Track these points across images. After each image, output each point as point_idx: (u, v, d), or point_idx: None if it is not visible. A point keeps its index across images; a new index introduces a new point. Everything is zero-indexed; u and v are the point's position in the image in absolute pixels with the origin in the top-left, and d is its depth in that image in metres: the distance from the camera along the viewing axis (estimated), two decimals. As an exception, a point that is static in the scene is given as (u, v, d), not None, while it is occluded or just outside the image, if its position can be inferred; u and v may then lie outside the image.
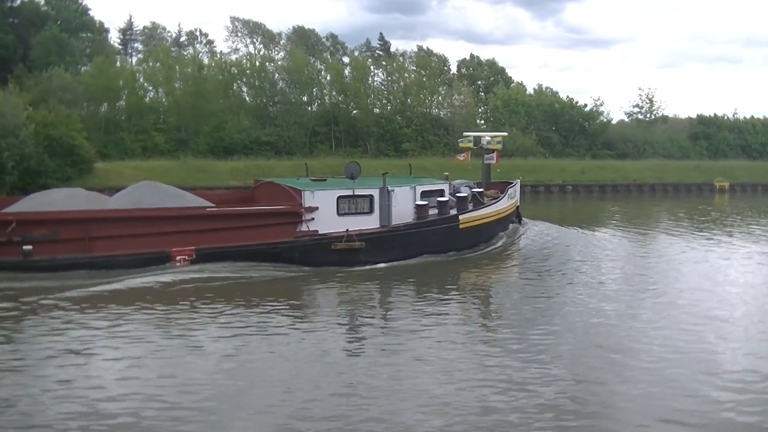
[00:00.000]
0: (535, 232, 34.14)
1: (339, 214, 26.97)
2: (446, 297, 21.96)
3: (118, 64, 72.34)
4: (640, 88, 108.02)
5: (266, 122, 69.91)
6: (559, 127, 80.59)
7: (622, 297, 21.37)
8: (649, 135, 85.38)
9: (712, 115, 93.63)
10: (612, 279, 24.50)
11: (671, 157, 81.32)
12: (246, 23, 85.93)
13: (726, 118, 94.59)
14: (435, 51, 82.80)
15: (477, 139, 35.93)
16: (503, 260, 28.88)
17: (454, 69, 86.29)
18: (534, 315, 19.26)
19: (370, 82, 77.01)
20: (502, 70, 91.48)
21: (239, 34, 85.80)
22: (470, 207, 30.20)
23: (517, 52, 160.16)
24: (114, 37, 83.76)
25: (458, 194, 30.19)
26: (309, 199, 26.56)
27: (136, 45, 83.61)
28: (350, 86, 73.36)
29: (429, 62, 78.80)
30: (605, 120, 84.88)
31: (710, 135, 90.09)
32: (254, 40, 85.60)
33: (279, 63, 76.46)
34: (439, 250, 28.34)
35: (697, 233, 37.04)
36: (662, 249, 31.83)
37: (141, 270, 23.80)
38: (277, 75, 74.17)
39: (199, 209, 26.59)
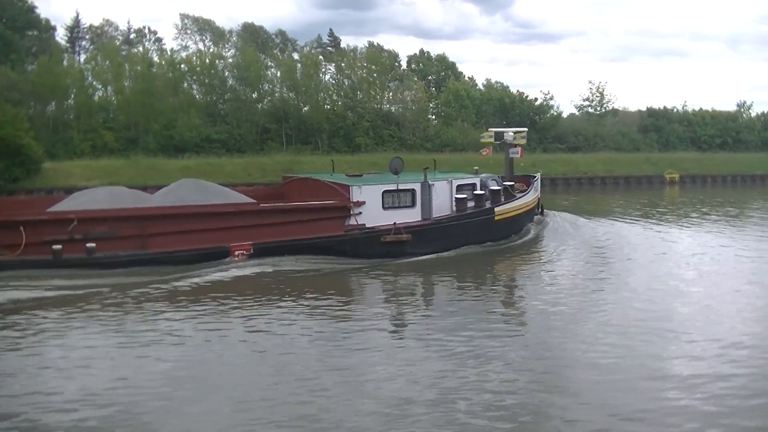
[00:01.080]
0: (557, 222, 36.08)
1: (384, 207, 28.02)
2: (492, 288, 23.37)
3: (65, 62, 72.31)
4: (590, 82, 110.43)
5: (217, 120, 70.52)
6: (510, 122, 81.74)
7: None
8: (600, 128, 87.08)
9: (662, 107, 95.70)
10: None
11: (622, 150, 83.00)
12: (196, 20, 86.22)
13: (675, 110, 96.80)
14: (385, 47, 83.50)
15: (498, 135, 37.20)
16: (541, 250, 30.24)
17: (404, 64, 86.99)
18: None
19: (320, 78, 77.56)
20: (453, 65, 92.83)
21: (189, 32, 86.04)
22: (503, 200, 31.43)
23: (467, 47, 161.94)
24: (61, 35, 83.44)
25: (493, 188, 31.27)
26: (357, 193, 27.65)
27: (83, 43, 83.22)
28: (301, 83, 73.97)
29: (380, 57, 79.50)
30: (555, 114, 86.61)
31: (660, 127, 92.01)
32: (204, 37, 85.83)
33: (229, 60, 76.67)
34: (477, 241, 29.55)
35: (657, 224, 38.33)
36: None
37: (202, 265, 24.54)
38: (227, 72, 74.52)
39: (254, 205, 27.63)
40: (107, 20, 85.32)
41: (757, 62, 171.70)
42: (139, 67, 70.96)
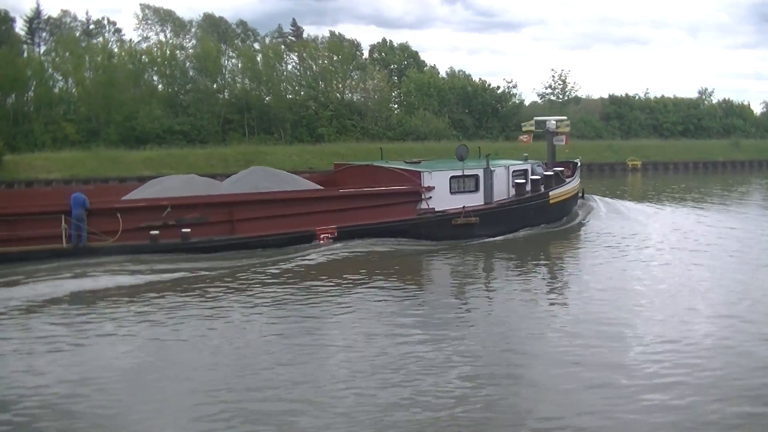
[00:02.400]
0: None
1: (451, 192, 29.74)
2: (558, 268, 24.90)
3: (25, 54, 72.47)
4: (552, 70, 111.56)
5: (178, 111, 71.10)
6: (472, 110, 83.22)
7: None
8: (562, 116, 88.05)
9: (624, 95, 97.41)
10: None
11: (584, 137, 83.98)
12: (156, 11, 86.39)
13: (637, 98, 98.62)
14: (347, 36, 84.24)
15: (540, 123, 39.27)
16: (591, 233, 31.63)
17: (366, 54, 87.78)
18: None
19: (282, 68, 78.20)
20: (415, 54, 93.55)
21: (149, 22, 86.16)
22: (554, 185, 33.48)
23: (428, 36, 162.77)
24: (20, 27, 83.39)
25: (547, 173, 33.07)
26: (428, 179, 29.29)
27: (43, 35, 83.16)
28: (263, 73, 74.52)
29: (341, 47, 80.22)
30: (518, 102, 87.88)
31: (622, 115, 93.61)
32: (164, 28, 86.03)
33: (189, 51, 77.09)
34: (535, 224, 31.48)
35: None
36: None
37: (289, 249, 25.96)
38: (187, 63, 74.92)
39: (336, 190, 29.38)
40: (65, 11, 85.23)
41: (717, 49, 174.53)
42: (99, 59, 71.31)
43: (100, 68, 70.28)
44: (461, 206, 29.29)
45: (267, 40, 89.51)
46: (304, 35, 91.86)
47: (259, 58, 77.47)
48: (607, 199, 40.31)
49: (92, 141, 63.52)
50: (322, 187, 30.13)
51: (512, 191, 31.57)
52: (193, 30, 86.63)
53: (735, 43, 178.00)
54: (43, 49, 79.94)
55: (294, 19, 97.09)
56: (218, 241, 25.94)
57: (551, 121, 38.07)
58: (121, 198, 27.56)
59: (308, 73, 79.66)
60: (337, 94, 78.01)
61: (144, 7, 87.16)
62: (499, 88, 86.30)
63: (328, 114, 74.17)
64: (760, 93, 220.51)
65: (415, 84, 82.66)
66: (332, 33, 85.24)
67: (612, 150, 78.83)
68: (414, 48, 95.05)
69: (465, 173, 30.14)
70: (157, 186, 28.70)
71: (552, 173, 33.36)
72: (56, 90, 70.50)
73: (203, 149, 62.49)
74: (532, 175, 32.39)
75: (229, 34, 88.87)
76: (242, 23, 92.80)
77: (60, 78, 71.91)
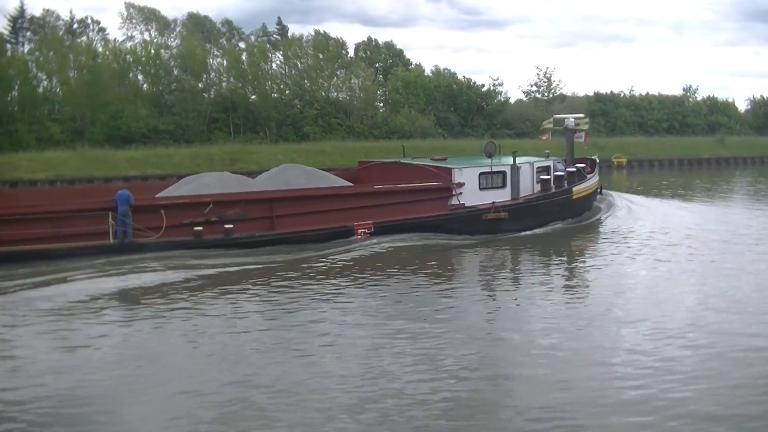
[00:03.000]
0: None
1: (480, 188, 30.89)
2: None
3: (9, 53, 72.32)
4: (537, 68, 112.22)
5: (163, 110, 71.17)
6: (458, 108, 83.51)
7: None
8: (548, 114, 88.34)
9: (609, 92, 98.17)
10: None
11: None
12: (140, 10, 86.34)
13: (622, 95, 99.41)
14: (332, 35, 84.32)
15: (558, 121, 40.52)
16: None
17: (351, 52, 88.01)
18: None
19: (268, 66, 78.30)
20: (400, 52, 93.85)
21: (134, 21, 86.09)
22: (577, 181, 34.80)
23: (413, 35, 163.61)
24: (4, 26, 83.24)
25: (569, 169, 34.39)
26: (458, 176, 30.46)
27: (27, 34, 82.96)
28: (248, 71, 74.61)
29: (327, 45, 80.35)
30: (503, 100, 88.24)
31: (607, 112, 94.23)
32: (149, 27, 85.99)
33: (174, 50, 77.09)
34: (560, 218, 32.69)
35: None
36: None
37: (329, 244, 27.01)
38: (172, 62, 74.95)
39: (371, 186, 30.34)
40: (48, 10, 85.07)
41: (702, 47, 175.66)
42: (83, 58, 71.20)
43: (85, 68, 70.23)
44: (489, 202, 30.40)
45: (252, 38, 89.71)
46: (289, 34, 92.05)
47: (244, 57, 77.49)
48: (624, 194, 41.53)
49: (77, 141, 63.41)
50: (352, 184, 31.34)
51: (537, 187, 32.61)
52: (177, 29, 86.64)
53: (719, 40, 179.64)
54: (27, 48, 79.84)
55: (279, 18, 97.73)
56: (260, 237, 26.98)
57: (570, 119, 39.15)
58: (156, 195, 28.67)
59: (293, 71, 79.78)
60: (323, 93, 78.10)
61: (128, 6, 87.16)
62: (484, 86, 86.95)
63: (314, 113, 74.28)
64: (745, 90, 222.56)
65: (402, 82, 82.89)
66: (317, 32, 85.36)
67: (597, 147, 78.88)
68: (399, 46, 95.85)
69: (493, 170, 31.21)
70: (192, 183, 29.77)
71: (575, 169, 34.83)
72: (40, 90, 70.33)
73: (189, 149, 62.53)
74: (555, 171, 33.43)
75: (214, 33, 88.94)
76: (227, 22, 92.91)
77: (44, 77, 71.74)
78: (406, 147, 65.42)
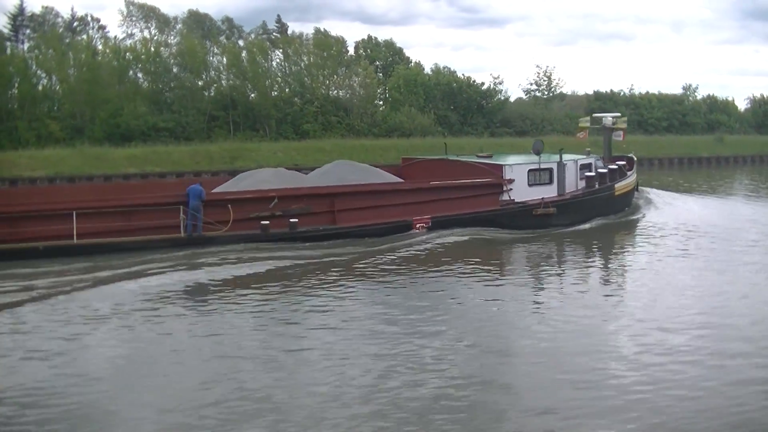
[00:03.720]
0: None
1: (529, 185, 32.25)
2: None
3: (8, 51, 72.41)
4: (537, 66, 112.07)
5: (163, 108, 71.24)
6: (457, 106, 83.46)
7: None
8: (547, 112, 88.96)
9: (609, 91, 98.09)
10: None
11: (570, 134, 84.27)
12: (140, 7, 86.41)
13: (622, 93, 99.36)
14: (332, 33, 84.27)
15: (596, 120, 42.37)
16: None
17: (351, 50, 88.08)
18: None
19: (268, 64, 78.34)
20: (400, 51, 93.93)
21: (133, 19, 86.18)
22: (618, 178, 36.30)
23: (413, 33, 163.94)
24: (4, 24, 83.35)
25: (611, 167, 35.86)
26: (509, 172, 31.89)
27: (27, 31, 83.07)
28: (248, 69, 74.67)
29: (327, 43, 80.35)
30: (503, 98, 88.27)
31: (607, 111, 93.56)
32: (149, 24, 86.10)
33: (174, 48, 77.17)
34: (603, 214, 34.30)
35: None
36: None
37: (389, 238, 28.43)
38: (172, 60, 75.03)
39: (426, 182, 31.53)
40: (48, 8, 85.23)
41: (701, 45, 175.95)
42: (83, 56, 71.31)
43: (84, 65, 70.34)
44: (537, 198, 31.94)
45: (252, 36, 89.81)
46: (289, 32, 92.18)
47: (244, 55, 77.56)
48: (659, 191, 43.41)
49: (77, 138, 63.49)
50: (402, 180, 32.83)
51: (580, 184, 34.21)
52: (177, 27, 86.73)
53: (718, 39, 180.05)
54: (26, 46, 79.96)
55: (278, 16, 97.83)
56: (324, 231, 28.34)
57: (608, 117, 41.21)
58: (212, 191, 29.54)
59: (293, 69, 79.85)
60: (323, 90, 78.18)
61: (128, 3, 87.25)
62: (484, 84, 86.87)
63: (313, 110, 74.33)
64: (744, 89, 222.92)
65: (403, 80, 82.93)
66: (317, 29, 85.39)
67: (597, 146, 79.00)
68: (398, 44, 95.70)
69: (541, 167, 32.65)
70: (250, 179, 31.03)
71: (617, 167, 36.21)
72: (40, 87, 70.46)
73: (188, 146, 62.59)
74: (594, 169, 35.05)
75: (214, 30, 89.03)
76: (227, 19, 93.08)
77: (44, 75, 71.90)
78: (406, 145, 66.22)
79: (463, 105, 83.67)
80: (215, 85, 76.88)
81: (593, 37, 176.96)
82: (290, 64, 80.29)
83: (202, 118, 71.61)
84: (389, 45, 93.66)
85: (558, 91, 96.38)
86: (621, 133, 40.22)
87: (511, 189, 31.66)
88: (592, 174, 34.49)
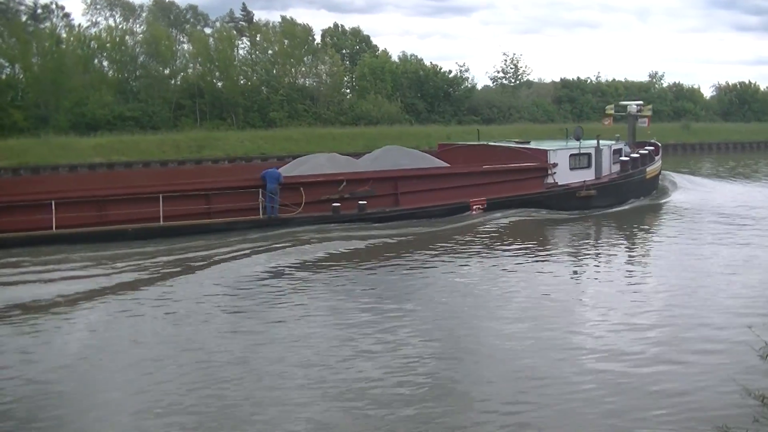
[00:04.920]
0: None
1: (570, 168, 34.79)
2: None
3: (-30, 40, 71.90)
4: (504, 54, 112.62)
5: (129, 97, 71.02)
6: (425, 94, 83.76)
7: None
8: (514, 100, 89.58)
9: (576, 78, 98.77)
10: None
11: (536, 121, 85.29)
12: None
13: (589, 81, 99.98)
14: (298, 21, 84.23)
15: (621, 107, 44.60)
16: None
17: (318, 38, 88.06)
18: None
19: (235, 53, 78.26)
20: (367, 38, 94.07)
21: (98, 7, 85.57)
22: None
23: (379, 21, 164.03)
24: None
25: (641, 152, 38.57)
26: (553, 157, 34.38)
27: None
28: (215, 58, 74.52)
29: (295, 31, 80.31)
30: (470, 86, 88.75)
31: (574, 98, 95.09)
32: (114, 13, 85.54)
33: (139, 36, 76.86)
34: (636, 196, 36.94)
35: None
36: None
37: (449, 218, 30.95)
38: (138, 48, 74.76)
39: (479, 166, 33.83)
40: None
41: (667, 33, 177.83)
42: (47, 44, 70.81)
43: (49, 54, 69.84)
44: (577, 181, 34.64)
45: (218, 24, 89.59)
46: (255, 20, 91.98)
47: (211, 42, 77.35)
48: (680, 174, 46.75)
49: (41, 128, 63.12)
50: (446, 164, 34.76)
51: (614, 168, 36.55)
52: (143, 15, 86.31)
53: (684, 27, 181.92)
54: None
55: (244, 4, 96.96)
56: (390, 212, 30.55)
57: (633, 105, 43.23)
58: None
59: (260, 57, 79.83)
60: (290, 79, 78.23)
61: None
62: (451, 72, 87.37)
63: (280, 99, 74.40)
64: (710, 76, 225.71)
65: (369, 68, 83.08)
66: (284, 18, 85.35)
67: (564, 133, 79.37)
68: (365, 32, 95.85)
69: (581, 151, 35.33)
70: (307, 163, 33.16)
71: (647, 152, 39.09)
72: (3, 76, 69.95)
73: (155, 135, 62.52)
74: (624, 154, 37.64)
75: (180, 19, 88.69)
76: (192, 8, 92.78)
77: (7, 64, 71.32)
78: (373, 133, 66.62)
79: (431, 93, 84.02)
80: (182, 73, 76.66)
81: (559, 25, 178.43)
82: (257, 53, 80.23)
83: (169, 107, 71.53)
84: (356, 33, 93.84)
85: (525, 79, 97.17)
86: (646, 120, 42.53)
87: (554, 173, 34.20)
88: (627, 159, 37.09)
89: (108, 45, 74.20)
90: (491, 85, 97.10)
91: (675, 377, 13.89)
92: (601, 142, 36.40)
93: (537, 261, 24.46)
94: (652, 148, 41.22)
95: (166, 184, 29.61)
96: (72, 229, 26.22)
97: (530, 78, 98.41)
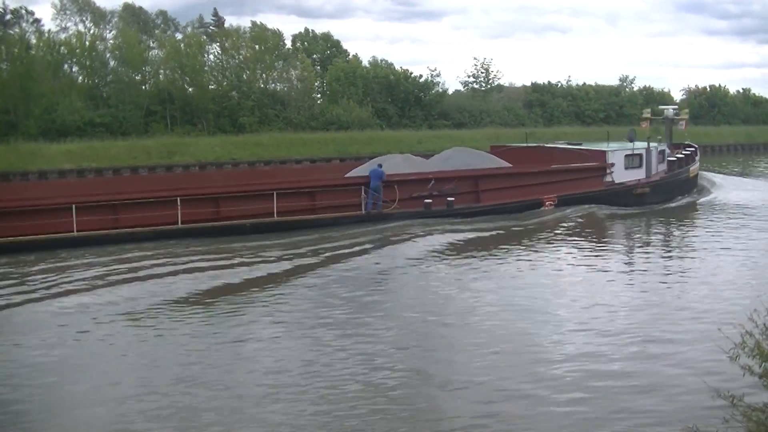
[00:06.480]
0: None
1: (624, 168, 37.82)
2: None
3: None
4: (475, 58, 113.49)
5: (99, 103, 71.27)
6: (395, 99, 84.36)
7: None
8: (485, 104, 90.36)
9: (546, 83, 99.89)
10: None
11: (507, 125, 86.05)
12: (75, 1, 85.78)
13: (559, 85, 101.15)
14: (268, 26, 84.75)
15: (658, 111, 47.93)
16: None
17: (289, 43, 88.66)
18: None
19: (205, 58, 78.63)
20: (338, 43, 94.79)
21: (68, 13, 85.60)
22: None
23: (350, 26, 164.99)
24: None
25: (685, 152, 42.11)
26: (611, 157, 37.55)
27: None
28: (185, 63, 74.83)
29: (265, 36, 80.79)
30: (441, 91, 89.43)
31: (544, 102, 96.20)
32: (84, 18, 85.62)
33: (110, 42, 77.13)
34: (681, 193, 40.04)
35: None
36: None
37: (521, 215, 33.65)
38: (108, 54, 75.02)
39: (548, 165, 36.99)
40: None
41: (636, 37, 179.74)
42: (16, 50, 70.87)
43: (17, 59, 69.92)
44: (630, 179, 37.80)
45: (188, 30, 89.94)
46: (226, 25, 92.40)
47: (182, 47, 77.63)
48: (714, 174, 50.27)
49: (10, 134, 63.23)
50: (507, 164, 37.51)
51: (660, 167, 39.84)
52: (113, 20, 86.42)
53: (653, 31, 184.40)
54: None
55: (215, 9, 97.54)
56: (474, 208, 33.45)
57: (669, 109, 46.29)
58: (345, 176, 35.39)
59: (231, 62, 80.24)
60: (261, 84, 78.75)
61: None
62: (421, 76, 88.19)
63: (250, 104, 74.89)
64: (680, 80, 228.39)
65: (342, 72, 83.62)
66: (254, 23, 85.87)
67: (534, 137, 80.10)
68: (336, 38, 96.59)
69: (634, 152, 38.35)
70: (384, 164, 34.36)
71: (689, 152, 42.68)
72: (-29, 82, 69.94)
73: (125, 141, 62.86)
74: (668, 155, 40.80)
75: (150, 24, 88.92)
76: (162, 13, 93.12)
77: (-25, 70, 71.33)
78: (344, 138, 67.31)
79: (401, 98, 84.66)
80: (152, 79, 76.97)
81: (529, 30, 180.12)
82: (228, 58, 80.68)
83: (140, 113, 71.88)
84: (327, 38, 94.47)
85: (496, 83, 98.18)
86: (683, 123, 45.16)
87: (612, 172, 37.28)
88: (674, 159, 40.53)
89: (78, 50, 74.45)
90: (462, 89, 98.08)
91: (647, 377, 14.51)
92: (640, 144, 39.24)
93: (622, 252, 27.86)
94: (693, 149, 45.09)
95: (279, 182, 32.69)
96: (193, 224, 29.27)
97: (501, 82, 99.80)
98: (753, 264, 24.22)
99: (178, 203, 29.07)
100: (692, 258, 25.77)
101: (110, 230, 28.41)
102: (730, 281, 21.87)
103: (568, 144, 42.66)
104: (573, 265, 24.86)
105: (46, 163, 53.87)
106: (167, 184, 34.99)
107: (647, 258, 26.27)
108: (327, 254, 25.95)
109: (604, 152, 37.99)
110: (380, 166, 32.95)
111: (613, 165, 37.38)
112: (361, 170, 35.11)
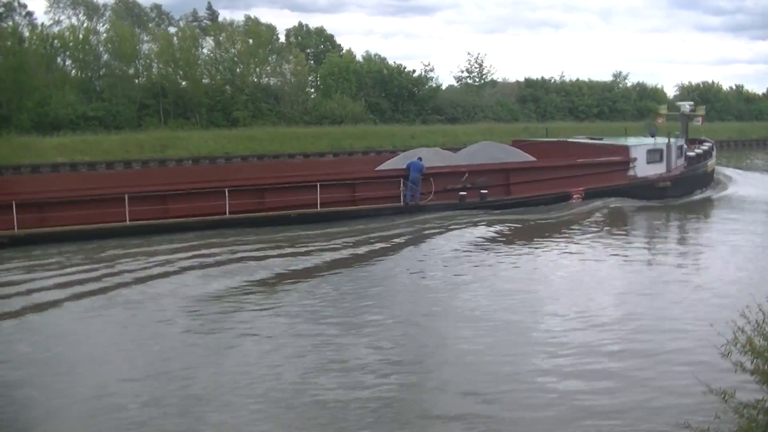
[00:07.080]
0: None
1: (646, 162, 38.80)
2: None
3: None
4: (468, 53, 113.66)
5: (92, 96, 71.19)
6: (389, 94, 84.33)
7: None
8: (479, 99, 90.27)
9: (540, 78, 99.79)
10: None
11: (501, 121, 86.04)
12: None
13: (553, 81, 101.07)
14: (262, 20, 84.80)
15: (674, 107, 49.90)
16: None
17: (283, 38, 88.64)
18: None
19: (198, 52, 78.55)
20: (331, 38, 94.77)
21: (61, 5, 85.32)
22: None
23: (343, 20, 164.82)
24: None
25: (703, 147, 43.17)
26: (633, 152, 38.47)
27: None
28: (179, 57, 74.78)
29: (259, 30, 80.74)
30: (434, 85, 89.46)
31: (538, 98, 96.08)
32: (77, 11, 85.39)
33: (103, 35, 76.99)
34: (699, 187, 41.43)
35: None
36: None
37: (550, 207, 34.79)
38: (101, 48, 74.88)
39: (574, 159, 37.69)
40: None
41: (630, 33, 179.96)
42: (9, 43, 70.78)
43: (10, 53, 69.84)
44: (652, 173, 38.71)
45: (182, 24, 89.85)
46: (219, 19, 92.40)
47: (175, 41, 77.56)
48: (726, 168, 51.89)
49: (3, 128, 63.17)
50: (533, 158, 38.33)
51: (679, 162, 40.79)
52: (107, 14, 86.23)
53: (647, 27, 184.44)
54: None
55: (209, 3, 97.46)
56: (507, 200, 34.52)
57: (686, 105, 47.37)
58: (375, 168, 36.00)
59: (224, 56, 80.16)
60: (254, 78, 78.70)
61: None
62: (415, 71, 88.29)
63: (244, 98, 74.87)
64: (673, 76, 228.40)
65: (337, 67, 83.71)
66: (247, 17, 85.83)
67: (528, 132, 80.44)
68: (329, 32, 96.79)
69: (656, 147, 39.45)
70: (413, 158, 35.02)
71: (707, 148, 43.66)
72: (-36, 75, 69.78)
73: (118, 135, 62.81)
74: (686, 151, 41.78)
75: (143, 18, 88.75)
76: (156, 7, 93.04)
77: (-32, 63, 71.15)
78: (338, 133, 67.36)
79: (395, 92, 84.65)
80: (146, 73, 76.85)
81: (523, 25, 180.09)
82: (221, 52, 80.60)
83: (133, 107, 71.93)
84: (320, 32, 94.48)
85: (489, 79, 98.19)
86: (700, 119, 45.64)
87: (634, 166, 38.18)
88: (693, 154, 41.67)
89: (71, 44, 74.52)
90: (456, 84, 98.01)
91: (637, 372, 14.56)
92: (661, 139, 40.21)
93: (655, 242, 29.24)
94: (710, 144, 45.89)
95: (322, 173, 33.58)
96: (240, 215, 30.18)
97: (494, 77, 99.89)
98: (761, 262, 24.58)
99: (226, 194, 30.17)
100: (705, 254, 26.36)
101: (161, 220, 29.42)
102: (732, 281, 21.86)
103: (590, 139, 43.80)
104: (597, 260, 25.37)
105: (39, 157, 53.78)
106: (209, 176, 36.24)
107: (678, 251, 27.12)
108: (378, 244, 27.04)
109: (627, 147, 38.96)
110: (420, 159, 33.80)
111: (635, 159, 38.31)
112: (393, 163, 36.53)
